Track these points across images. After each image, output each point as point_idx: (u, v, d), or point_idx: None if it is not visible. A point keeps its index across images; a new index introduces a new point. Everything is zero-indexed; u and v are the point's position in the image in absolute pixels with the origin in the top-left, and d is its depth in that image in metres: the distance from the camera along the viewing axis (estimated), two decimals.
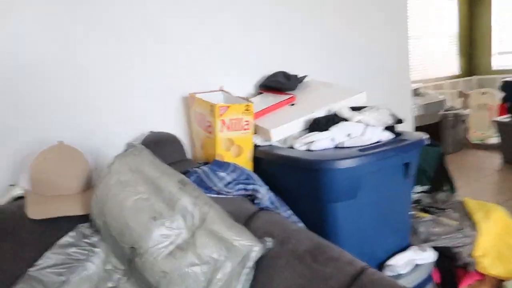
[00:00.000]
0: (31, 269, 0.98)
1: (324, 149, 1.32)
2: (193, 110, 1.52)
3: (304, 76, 1.78)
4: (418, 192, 1.73)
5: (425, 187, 1.76)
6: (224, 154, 1.41)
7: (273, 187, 1.32)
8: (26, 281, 0.95)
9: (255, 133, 1.49)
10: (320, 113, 1.46)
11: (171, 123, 1.54)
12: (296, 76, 1.76)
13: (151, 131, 1.46)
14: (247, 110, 1.40)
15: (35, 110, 1.25)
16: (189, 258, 0.94)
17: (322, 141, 1.35)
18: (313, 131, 1.39)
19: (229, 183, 1.27)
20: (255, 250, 0.95)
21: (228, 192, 1.25)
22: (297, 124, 1.47)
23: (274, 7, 1.71)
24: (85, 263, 1.01)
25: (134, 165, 1.06)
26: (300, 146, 1.38)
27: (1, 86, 1.19)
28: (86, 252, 1.03)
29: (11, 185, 1.18)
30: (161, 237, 0.98)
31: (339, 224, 1.17)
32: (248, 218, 1.18)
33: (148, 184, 1.04)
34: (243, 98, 1.48)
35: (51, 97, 1.27)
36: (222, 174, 1.28)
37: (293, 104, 1.61)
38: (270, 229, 1.09)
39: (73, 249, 1.03)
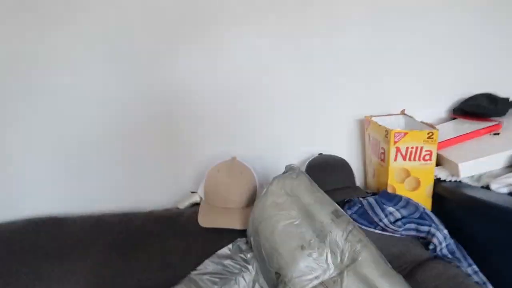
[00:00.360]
0: (192, 272, 1.07)
1: None
2: (367, 134, 1.41)
3: None
4: None
5: None
6: (397, 186, 1.24)
7: (455, 234, 1.08)
8: (186, 283, 1.04)
9: (439, 165, 1.26)
10: None
11: (343, 147, 1.46)
12: (507, 99, 1.41)
13: (320, 153, 1.41)
14: (430, 138, 1.20)
15: (217, 126, 1.38)
16: None
17: None
18: None
19: (397, 220, 1.11)
20: None
21: (395, 230, 1.08)
22: (499, 159, 1.17)
23: (467, 16, 1.42)
24: (238, 277, 1.04)
25: (290, 188, 1.04)
26: (500, 187, 1.10)
27: (195, 106, 1.37)
28: (239, 266, 1.06)
29: (192, 192, 1.34)
30: (307, 269, 0.92)
31: None
32: (416, 266, 1.00)
33: (301, 210, 1.00)
34: (428, 124, 1.28)
35: (232, 117, 1.39)
36: (390, 208, 1.13)
37: (497, 134, 1.30)
38: (441, 286, 0.89)
39: (229, 261, 1.08)
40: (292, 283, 0.91)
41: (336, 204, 0.99)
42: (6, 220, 1.26)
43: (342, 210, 0.98)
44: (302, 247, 0.94)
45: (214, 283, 1.04)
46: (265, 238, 1.01)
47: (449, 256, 1.03)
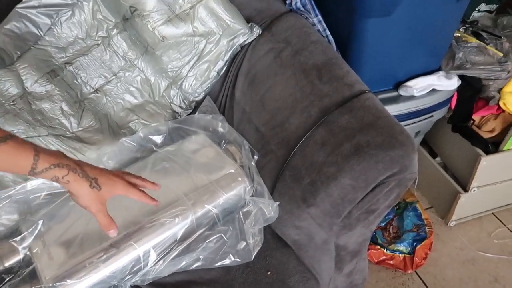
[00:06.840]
0: (18, 5, 0.89)
1: None
2: None
3: None
4: (480, 11, 1.39)
5: (491, 6, 1.40)
6: None
7: None
8: (16, 19, 0.88)
9: None
10: None
11: None
12: None
13: None
14: None
15: None
16: (187, 29, 0.90)
17: None
18: None
19: None
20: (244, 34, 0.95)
21: None
22: None
23: None
24: (74, 8, 0.92)
25: None
26: None
27: None
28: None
29: None
30: (161, 4, 0.89)
31: (366, 41, 1.03)
32: (273, 19, 1.02)
33: None
34: None
35: None
36: None
37: None
38: (290, 36, 0.97)
39: None
40: (150, 16, 0.89)
41: None
42: None
43: None
44: None
45: (49, 16, 0.90)
46: None
47: (302, 9, 1.07)
